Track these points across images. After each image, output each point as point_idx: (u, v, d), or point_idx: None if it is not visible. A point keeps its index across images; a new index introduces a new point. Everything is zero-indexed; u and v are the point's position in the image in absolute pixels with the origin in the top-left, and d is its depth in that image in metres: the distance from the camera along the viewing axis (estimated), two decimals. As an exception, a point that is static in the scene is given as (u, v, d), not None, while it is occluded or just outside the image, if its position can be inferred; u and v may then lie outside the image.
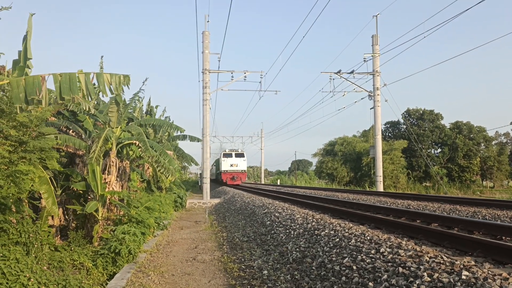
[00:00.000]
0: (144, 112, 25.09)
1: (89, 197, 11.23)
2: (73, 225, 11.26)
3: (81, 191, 11.59)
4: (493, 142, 51.21)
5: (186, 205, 21.84)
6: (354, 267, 5.45)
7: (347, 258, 5.87)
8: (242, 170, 42.22)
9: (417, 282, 4.24)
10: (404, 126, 49.45)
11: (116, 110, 12.25)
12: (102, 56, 25.04)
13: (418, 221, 9.04)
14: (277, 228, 9.83)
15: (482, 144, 48.29)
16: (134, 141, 12.79)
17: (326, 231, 7.75)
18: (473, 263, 4.57)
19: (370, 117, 45.12)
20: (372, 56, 26.26)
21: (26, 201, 8.16)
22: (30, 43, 8.71)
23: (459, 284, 3.92)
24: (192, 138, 23.04)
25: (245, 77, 24.95)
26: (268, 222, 10.98)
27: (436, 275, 4.25)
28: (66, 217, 11.56)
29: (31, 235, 6.58)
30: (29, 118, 6.95)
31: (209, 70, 24.21)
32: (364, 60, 26.18)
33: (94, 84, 7.87)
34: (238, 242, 9.83)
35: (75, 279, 5.79)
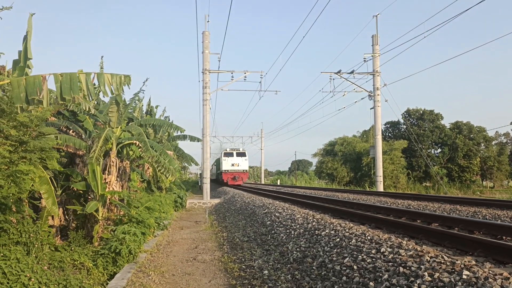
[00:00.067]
0: (144, 112, 25.10)
1: (89, 197, 11.23)
2: (73, 225, 11.26)
3: (81, 191, 11.60)
4: (493, 142, 51.24)
5: (186, 205, 21.84)
6: (355, 267, 5.45)
7: (347, 258, 5.87)
8: (243, 170, 40.68)
9: (418, 282, 4.24)
10: (404, 126, 49.47)
11: (116, 110, 12.26)
12: (102, 56, 25.11)
13: (418, 221, 9.03)
14: (278, 228, 9.83)
15: (482, 144, 48.31)
16: (134, 141, 12.79)
17: (326, 231, 7.75)
18: (474, 262, 4.56)
19: (370, 117, 45.11)
20: (372, 56, 26.26)
21: (26, 201, 8.16)
22: (30, 43, 8.71)
23: (460, 283, 3.92)
24: (192, 138, 23.05)
25: (245, 77, 24.95)
26: (269, 222, 10.98)
27: (437, 274, 4.25)
28: (66, 217, 11.56)
29: (31, 235, 6.58)
30: (30, 118, 6.95)
31: (209, 70, 24.21)
32: (364, 60, 26.20)
33: (94, 84, 7.88)
34: (239, 242, 9.82)
35: (76, 279, 5.79)
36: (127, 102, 14.33)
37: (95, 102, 14.44)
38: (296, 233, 8.62)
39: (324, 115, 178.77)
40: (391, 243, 5.83)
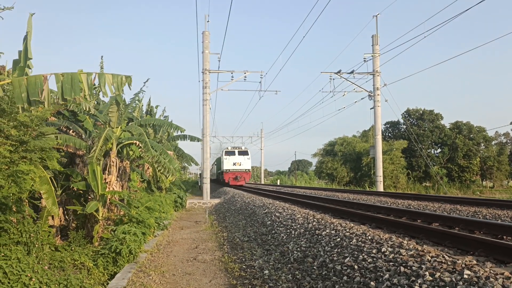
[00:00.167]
0: (144, 112, 25.10)
1: (90, 197, 11.23)
2: (73, 225, 11.26)
3: (81, 191, 11.59)
4: (493, 142, 51.28)
5: (186, 205, 21.83)
6: (356, 267, 5.45)
7: (348, 258, 5.86)
8: (246, 170, 38.03)
9: (419, 281, 4.24)
10: (404, 126, 49.49)
11: (116, 110, 12.26)
12: (102, 56, 25.08)
13: (419, 220, 9.03)
14: (278, 228, 9.82)
15: (482, 144, 48.33)
16: (135, 141, 12.79)
17: (327, 230, 7.75)
18: (474, 262, 4.56)
19: (370, 117, 45.08)
20: (372, 56, 26.27)
21: (27, 201, 8.15)
22: (31, 43, 8.71)
23: (461, 283, 3.91)
24: (192, 138, 23.03)
25: (245, 77, 24.95)
26: (269, 222, 10.97)
27: (438, 274, 4.24)
28: (66, 217, 11.55)
29: (32, 235, 6.57)
30: (30, 117, 6.94)
31: (209, 70, 24.21)
32: (364, 60, 26.20)
33: (94, 84, 7.87)
34: (239, 242, 9.82)
35: (76, 279, 5.79)
36: (127, 102, 14.33)
37: (95, 102, 14.44)
38: (296, 233, 8.61)
39: (324, 115, 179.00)
40: (392, 243, 5.83)
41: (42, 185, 8.08)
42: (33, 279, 5.10)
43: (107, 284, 6.49)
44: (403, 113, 49.53)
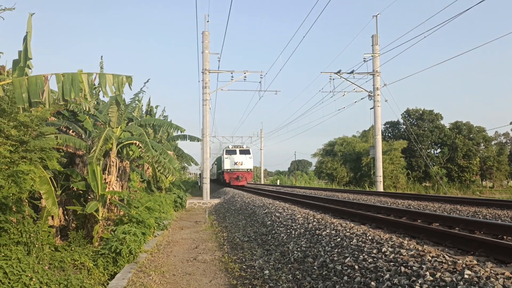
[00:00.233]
0: (143, 112, 25.09)
1: (89, 197, 11.23)
2: (73, 225, 11.26)
3: (81, 191, 11.59)
4: (493, 142, 51.33)
5: (186, 205, 21.83)
6: (356, 267, 5.45)
7: (348, 258, 5.86)
8: (247, 169, 36.02)
9: (419, 282, 4.24)
10: (404, 126, 49.51)
11: (116, 110, 12.25)
12: (102, 56, 25.07)
13: (419, 220, 9.03)
14: (278, 228, 9.82)
15: (482, 144, 48.37)
16: (134, 141, 12.78)
17: (327, 231, 7.75)
18: (475, 262, 4.56)
19: (370, 117, 45.13)
20: (372, 56, 26.27)
21: (27, 201, 8.15)
22: (30, 43, 8.70)
23: (461, 283, 3.91)
24: (192, 138, 23.03)
25: (245, 77, 24.95)
26: (269, 222, 10.97)
27: (438, 274, 4.24)
28: (66, 217, 11.55)
29: (32, 235, 6.57)
30: (30, 117, 6.94)
31: (209, 70, 24.21)
32: (364, 60, 26.21)
33: (94, 85, 7.87)
34: (239, 242, 9.82)
35: (77, 279, 5.79)
36: (127, 103, 14.31)
37: (95, 102, 14.43)
38: (296, 233, 8.61)
39: (324, 115, 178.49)
40: (392, 243, 5.83)
41: (42, 185, 8.08)
42: (34, 279, 5.10)
43: (107, 284, 6.49)
44: (403, 113, 49.62)
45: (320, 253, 6.70)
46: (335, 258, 6.12)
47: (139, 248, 8.23)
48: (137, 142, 12.73)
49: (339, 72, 26.02)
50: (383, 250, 5.57)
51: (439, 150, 48.86)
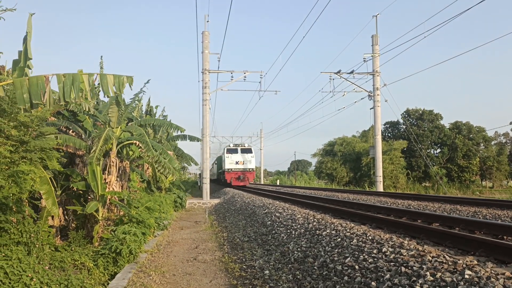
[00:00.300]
0: (143, 112, 25.09)
1: (89, 197, 11.22)
2: (73, 225, 11.25)
3: (81, 191, 11.58)
4: (493, 142, 51.32)
5: (186, 206, 21.83)
6: (356, 267, 5.45)
7: (349, 258, 5.87)
8: (250, 169, 34.37)
9: (420, 282, 4.24)
10: (404, 126, 49.53)
11: (116, 110, 12.25)
12: (102, 56, 25.06)
13: (419, 221, 9.03)
14: (278, 228, 9.82)
15: (482, 144, 48.39)
16: (134, 141, 12.78)
17: (327, 231, 7.75)
18: (475, 262, 4.57)
19: (370, 117, 45.09)
20: (372, 56, 26.27)
21: (27, 201, 8.15)
22: (30, 44, 8.71)
23: (462, 283, 3.92)
24: (192, 138, 23.03)
25: (245, 77, 24.95)
26: (269, 222, 10.97)
27: (438, 274, 4.25)
28: (66, 217, 11.54)
29: (32, 235, 6.57)
30: (30, 118, 6.94)
31: (209, 70, 24.20)
32: (364, 60, 26.21)
33: (95, 85, 7.87)
34: (239, 242, 9.82)
35: (77, 279, 5.79)
36: (127, 103, 14.31)
37: (95, 102, 14.43)
38: (297, 233, 8.62)
39: (324, 115, 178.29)
40: (392, 243, 5.83)
41: (42, 185, 8.08)
42: (34, 279, 5.10)
43: (108, 284, 6.49)
44: (403, 113, 49.63)
45: (321, 253, 6.71)
46: (336, 258, 6.12)
47: (139, 248, 8.23)
48: (137, 142, 12.72)
49: (339, 72, 26.03)
50: (383, 250, 5.58)
51: (439, 150, 48.89)
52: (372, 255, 5.59)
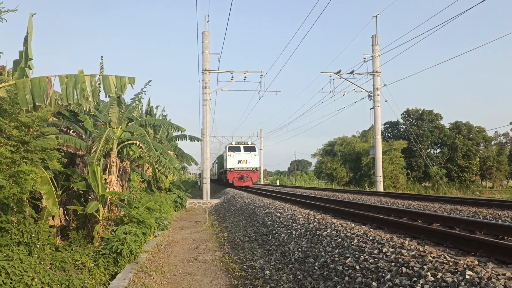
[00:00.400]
0: (143, 112, 25.10)
1: (90, 197, 11.23)
2: (73, 225, 11.26)
3: (81, 191, 11.59)
4: (493, 142, 51.35)
5: (186, 206, 21.83)
6: (357, 267, 5.46)
7: (349, 258, 5.87)
8: (253, 168, 32.29)
9: (420, 282, 4.25)
10: (404, 126, 49.55)
11: (117, 110, 12.26)
12: (102, 56, 25.03)
13: (419, 221, 9.04)
14: (279, 228, 9.83)
15: (482, 144, 48.41)
16: (135, 141, 12.79)
17: (328, 231, 7.75)
18: (476, 262, 4.57)
19: (370, 117, 45.10)
20: (372, 56, 26.28)
21: (27, 201, 8.15)
22: (31, 44, 8.70)
23: (463, 283, 3.92)
24: (192, 138, 23.04)
25: (245, 77, 24.95)
26: (269, 222, 10.98)
27: (439, 274, 4.25)
28: (67, 217, 11.55)
29: (33, 235, 6.57)
30: (31, 118, 6.95)
31: (209, 70, 24.21)
32: (364, 60, 26.22)
33: (97, 86, 7.86)
34: (239, 242, 9.83)
35: (78, 279, 5.79)
36: (128, 103, 14.32)
37: (95, 102, 14.44)
38: (297, 233, 8.62)
39: (324, 115, 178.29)
40: (393, 243, 5.84)
41: (43, 186, 8.08)
42: (35, 280, 5.11)
43: (108, 284, 6.50)
44: (403, 113, 49.66)
45: (321, 253, 6.71)
46: (336, 259, 6.13)
47: (139, 248, 8.24)
48: (138, 142, 12.73)
49: (339, 72, 26.04)
50: (384, 251, 5.58)
51: (439, 150, 48.91)
52: (373, 255, 5.59)
